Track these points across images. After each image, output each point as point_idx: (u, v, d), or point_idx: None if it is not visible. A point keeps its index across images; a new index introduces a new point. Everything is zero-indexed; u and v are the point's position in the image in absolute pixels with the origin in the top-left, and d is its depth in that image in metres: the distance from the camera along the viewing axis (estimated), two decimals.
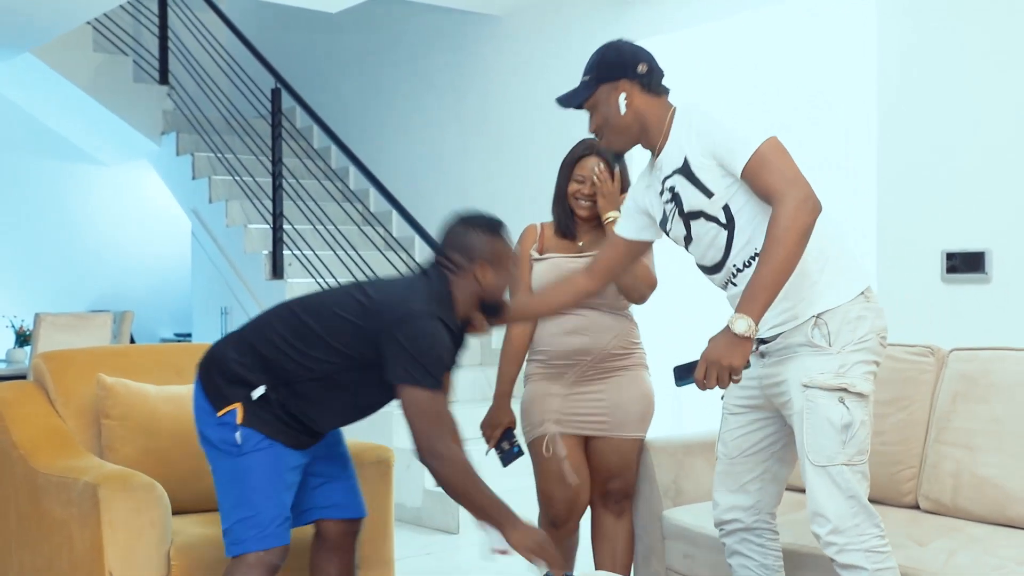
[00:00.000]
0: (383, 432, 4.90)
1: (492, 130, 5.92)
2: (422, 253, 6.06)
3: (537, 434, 2.83)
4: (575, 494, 2.82)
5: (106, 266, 8.29)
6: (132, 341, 6.82)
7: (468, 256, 2.35)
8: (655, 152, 2.29)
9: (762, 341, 2.21)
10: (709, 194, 2.16)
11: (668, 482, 2.98)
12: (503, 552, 2.23)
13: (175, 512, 2.63)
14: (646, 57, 2.28)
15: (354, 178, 6.75)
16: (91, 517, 2.50)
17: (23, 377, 5.46)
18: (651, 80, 2.26)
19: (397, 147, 6.62)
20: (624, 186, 2.80)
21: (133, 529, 2.51)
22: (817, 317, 2.13)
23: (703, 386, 2.07)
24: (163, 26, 7.26)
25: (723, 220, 2.18)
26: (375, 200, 6.59)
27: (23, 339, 6.29)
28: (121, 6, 6.40)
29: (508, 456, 2.86)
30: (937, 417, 2.77)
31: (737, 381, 2.06)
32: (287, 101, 6.16)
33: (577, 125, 5.50)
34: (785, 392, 2.19)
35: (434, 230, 5.32)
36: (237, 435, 2.28)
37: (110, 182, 8.32)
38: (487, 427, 2.88)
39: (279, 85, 6.04)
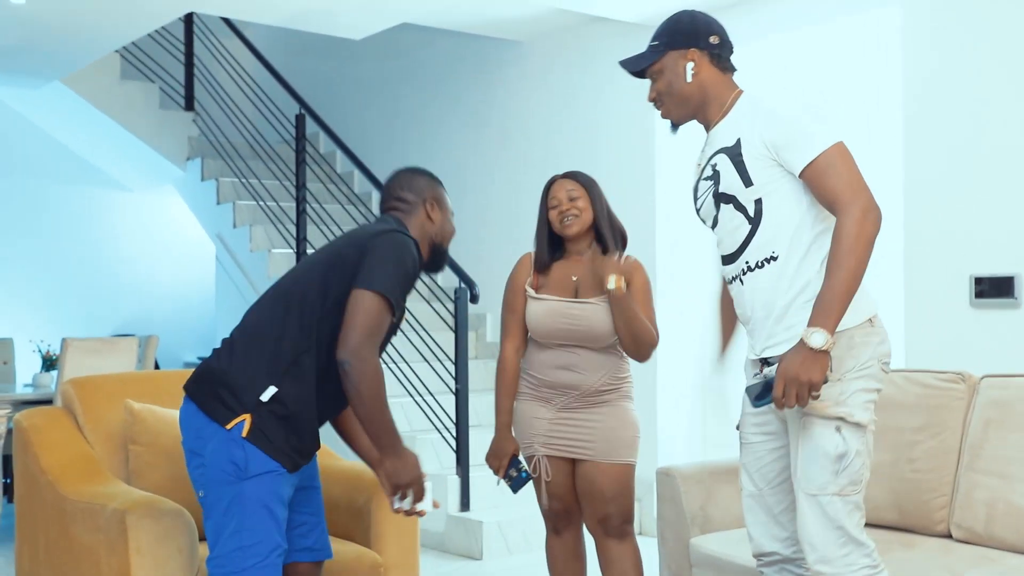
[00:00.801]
0: None
1: (514, 155, 5.93)
2: (445, 276, 6.07)
3: (527, 453, 2.92)
4: (566, 505, 2.90)
5: (131, 291, 8.35)
6: (157, 365, 6.85)
7: (417, 194, 2.47)
8: (708, 128, 2.25)
9: (765, 362, 2.17)
10: (748, 183, 2.13)
11: (696, 509, 2.96)
12: (405, 512, 2.32)
13: (202, 539, 2.63)
14: (719, 29, 2.25)
15: (377, 204, 6.78)
16: (119, 543, 2.51)
17: (49, 401, 5.49)
18: (721, 53, 2.22)
19: None
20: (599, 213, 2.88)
21: (160, 556, 2.51)
22: None
23: (781, 405, 2.02)
24: (189, 53, 7.34)
25: (751, 213, 2.14)
26: None
27: (49, 363, 6.33)
28: (148, 34, 6.48)
29: (517, 482, 2.89)
30: (969, 444, 2.73)
31: (816, 397, 2.00)
32: (311, 127, 6.20)
33: (601, 150, 5.50)
34: (786, 414, 2.16)
35: (457, 254, 5.38)
36: (243, 453, 2.20)
37: (136, 208, 8.40)
38: (493, 458, 2.91)
39: (303, 111, 6.09)
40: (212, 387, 2.27)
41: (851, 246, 1.98)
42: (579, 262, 2.90)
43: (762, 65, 4.71)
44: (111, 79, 6.94)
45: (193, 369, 2.44)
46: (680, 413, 5.03)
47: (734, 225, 2.17)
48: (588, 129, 5.47)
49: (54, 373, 6.15)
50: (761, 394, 2.07)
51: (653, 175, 5.09)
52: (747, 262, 2.16)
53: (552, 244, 2.93)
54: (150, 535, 2.51)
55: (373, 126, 7.05)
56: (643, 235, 4.88)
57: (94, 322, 8.05)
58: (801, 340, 1.98)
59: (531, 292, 2.90)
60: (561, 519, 2.94)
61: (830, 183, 2.03)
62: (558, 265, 2.92)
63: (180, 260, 8.50)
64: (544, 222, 2.93)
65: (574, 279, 2.88)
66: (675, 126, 2.34)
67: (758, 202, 2.12)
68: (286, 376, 2.25)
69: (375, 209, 6.74)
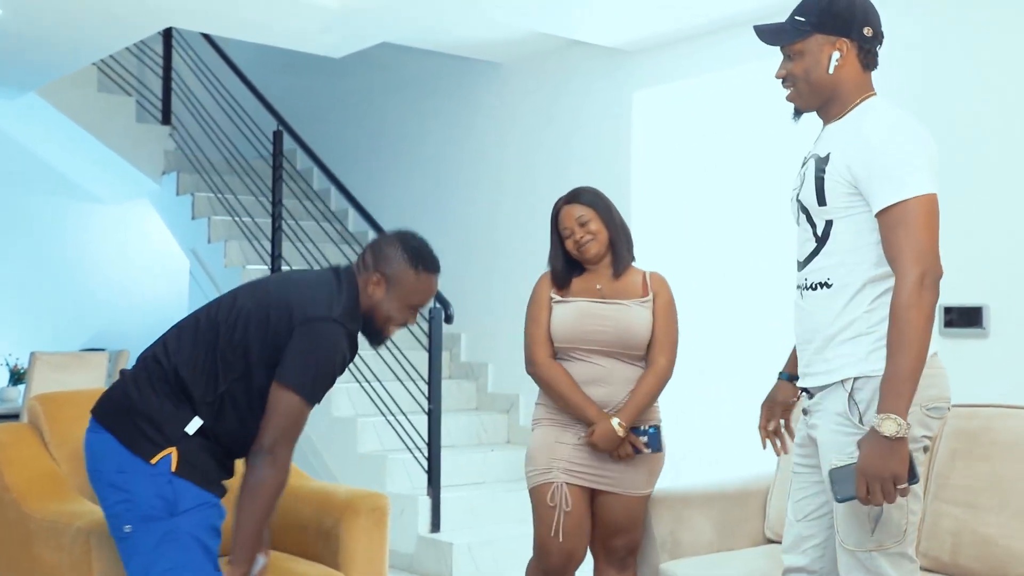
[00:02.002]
0: (377, 479, 4.87)
1: (492, 174, 5.95)
2: None
3: (542, 481, 2.78)
4: (573, 547, 2.78)
5: (103, 304, 8.27)
6: None
7: (375, 261, 2.30)
8: (825, 123, 2.10)
9: (805, 391, 2.10)
10: (822, 202, 2.01)
11: (665, 534, 2.96)
12: None
13: None
14: (875, 20, 2.05)
15: (353, 220, 6.77)
16: (82, 563, 2.47)
17: (16, 416, 5.43)
18: (871, 47, 2.04)
19: (397, 190, 6.65)
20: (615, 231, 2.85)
21: None
22: (846, 382, 1.98)
23: (868, 503, 1.88)
24: (167, 67, 7.32)
25: (819, 232, 2.04)
26: None
27: (17, 378, 6.26)
28: (127, 48, 6.45)
29: (654, 439, 2.79)
30: (936, 474, 2.75)
31: (905, 494, 1.88)
32: (288, 143, 6.20)
33: (578, 171, 5.52)
34: (823, 460, 2.05)
35: None
36: (171, 489, 2.13)
37: (109, 220, 8.34)
38: (611, 444, 2.74)
39: (281, 127, 6.08)
40: (131, 419, 2.18)
41: (911, 319, 1.86)
42: (600, 276, 2.86)
43: (735, 93, 4.76)
44: (88, 91, 6.90)
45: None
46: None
47: (805, 236, 2.09)
48: (565, 150, 5.50)
49: (22, 387, 6.08)
50: (845, 490, 1.91)
51: (628, 195, 5.11)
52: (807, 279, 2.08)
53: (567, 264, 2.87)
54: (114, 555, 2.46)
55: (351, 144, 7.05)
56: None
57: (64, 336, 7.96)
58: (873, 430, 1.86)
59: (557, 297, 2.84)
60: (557, 566, 2.78)
61: (897, 237, 1.90)
62: (579, 278, 2.88)
63: (153, 274, 8.43)
64: (558, 246, 2.87)
65: (598, 287, 2.84)
66: (799, 113, 2.14)
67: (828, 223, 2.02)
68: (211, 408, 2.20)
69: (351, 226, 6.73)
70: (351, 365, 5.24)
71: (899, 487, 1.86)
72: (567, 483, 2.75)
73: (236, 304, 2.27)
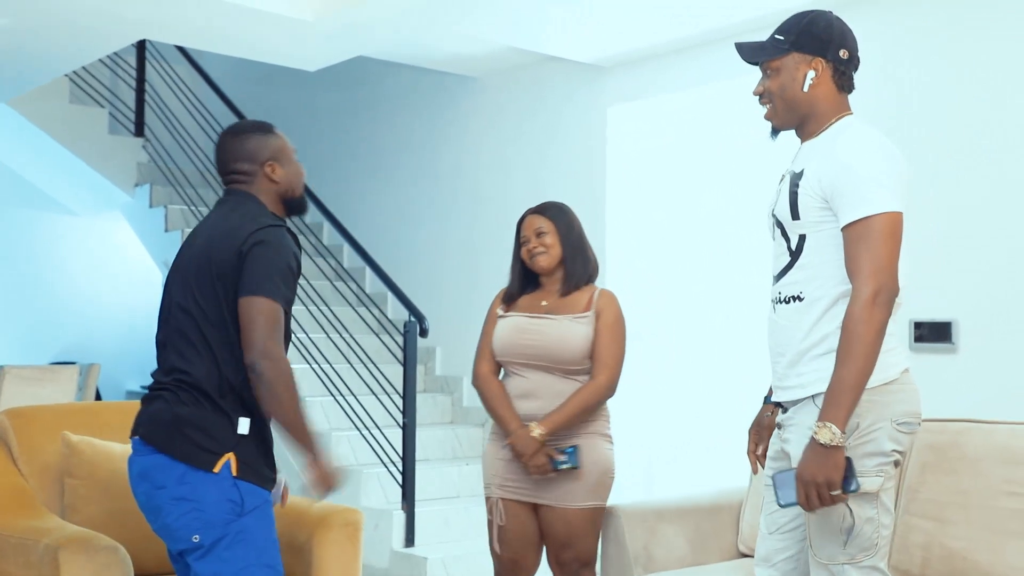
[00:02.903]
0: (351, 493, 4.85)
1: (468, 187, 5.96)
2: (395, 309, 6.05)
3: (486, 495, 2.90)
4: (515, 557, 2.87)
5: (74, 317, 8.18)
6: (98, 394, 6.72)
7: (252, 160, 2.37)
8: (802, 141, 2.15)
9: (779, 405, 2.13)
10: (795, 216, 2.05)
11: (639, 549, 2.96)
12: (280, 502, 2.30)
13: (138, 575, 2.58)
14: (852, 43, 2.11)
15: (328, 234, 6.75)
16: None
17: None
18: (846, 71, 2.10)
19: (372, 203, 6.64)
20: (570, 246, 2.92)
21: None
22: (817, 397, 2.01)
23: (807, 508, 1.94)
24: (140, 79, 7.28)
25: (792, 246, 2.08)
26: (348, 256, 6.59)
27: None
28: (99, 59, 6.41)
29: (572, 459, 2.77)
30: (906, 487, 2.78)
31: (844, 499, 1.93)
32: None
33: (552, 185, 5.54)
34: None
35: (407, 287, 5.37)
36: (237, 492, 2.16)
37: (81, 232, 8.26)
38: (529, 458, 2.76)
39: None
40: (183, 434, 2.19)
41: (860, 333, 1.90)
42: (550, 292, 2.93)
43: (711, 109, 4.80)
44: (59, 103, 6.85)
45: (138, 405, 2.34)
46: (627, 451, 5.03)
47: (779, 251, 2.13)
48: (540, 164, 5.52)
49: None
50: (787, 496, 1.98)
51: (603, 209, 5.14)
52: (780, 292, 2.12)
53: (525, 277, 2.96)
54: (84, 572, 2.45)
55: (327, 157, 7.04)
56: None
57: (35, 349, 7.88)
58: (812, 437, 1.91)
59: (501, 312, 2.94)
60: (508, 571, 2.89)
61: (858, 253, 1.94)
62: (530, 295, 2.96)
63: (125, 287, 8.35)
64: (517, 256, 2.97)
65: (544, 303, 2.91)
66: (775, 131, 2.19)
67: (801, 238, 2.06)
68: (247, 401, 2.23)
69: (326, 240, 6.71)
70: (323, 378, 5.24)
71: (834, 493, 1.91)
72: (503, 498, 2.84)
73: (182, 286, 2.28)
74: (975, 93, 3.86)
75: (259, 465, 2.24)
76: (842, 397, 1.90)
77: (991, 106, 3.82)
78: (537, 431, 2.75)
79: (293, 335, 5.36)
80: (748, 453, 2.38)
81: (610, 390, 2.84)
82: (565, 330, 2.82)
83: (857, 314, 1.92)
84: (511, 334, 2.86)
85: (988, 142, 3.82)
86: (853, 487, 1.93)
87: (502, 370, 2.94)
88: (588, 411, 2.82)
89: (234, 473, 2.18)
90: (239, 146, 2.39)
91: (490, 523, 2.88)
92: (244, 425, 2.21)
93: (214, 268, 2.23)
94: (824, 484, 1.90)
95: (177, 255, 2.38)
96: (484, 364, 2.93)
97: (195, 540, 2.17)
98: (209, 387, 2.21)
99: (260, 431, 2.26)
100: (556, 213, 2.94)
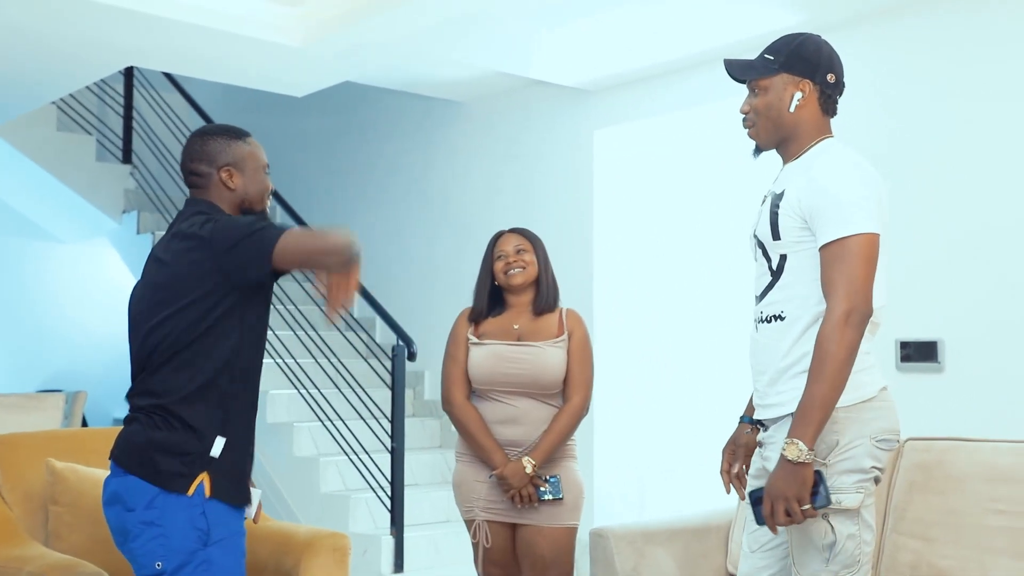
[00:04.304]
0: (340, 519, 4.82)
1: (456, 212, 5.97)
2: (383, 333, 6.04)
3: (467, 518, 2.91)
4: (504, 575, 2.88)
5: (60, 344, 8.15)
6: (85, 421, 6.68)
7: (209, 163, 2.29)
8: (784, 162, 2.18)
9: (760, 423, 2.14)
10: (776, 236, 2.08)
11: (628, 571, 2.96)
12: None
13: None
14: (839, 68, 2.15)
15: None
16: None
17: None
18: (832, 94, 2.14)
19: (360, 228, 6.62)
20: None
21: None
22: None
23: (772, 523, 1.96)
24: (128, 106, 7.29)
25: (773, 266, 2.10)
26: None
27: None
28: (87, 87, 6.42)
29: (554, 489, 2.81)
30: (894, 507, 2.78)
31: (813, 514, 1.94)
32: None
33: (540, 208, 5.55)
34: None
35: (395, 311, 5.36)
36: (204, 521, 2.11)
37: (67, 259, 8.24)
38: (514, 488, 2.78)
39: None
40: (153, 456, 2.15)
41: (831, 352, 1.92)
42: (520, 314, 2.92)
43: (693, 132, 4.83)
44: (47, 130, 6.85)
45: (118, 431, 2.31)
46: (619, 471, 5.03)
47: (761, 271, 2.15)
48: (527, 188, 5.54)
49: None
50: (759, 510, 2.01)
51: (591, 233, 5.16)
52: (762, 312, 2.13)
53: (492, 298, 2.96)
54: None
55: (314, 182, 7.05)
56: (581, 291, 4.92)
57: (21, 376, 7.83)
58: (781, 454, 1.94)
59: (473, 339, 2.91)
60: None
61: (834, 272, 1.97)
62: (498, 318, 2.95)
63: (112, 314, 8.30)
64: (487, 274, 2.97)
65: (515, 327, 2.91)
66: (758, 150, 2.22)
67: (782, 258, 2.09)
68: (223, 420, 2.18)
69: None
70: (312, 403, 5.22)
71: (803, 508, 1.93)
72: (487, 520, 2.85)
73: (149, 304, 2.21)
74: (962, 115, 3.90)
75: (233, 482, 2.20)
76: (811, 414, 1.93)
77: (978, 128, 3.85)
78: (530, 466, 2.76)
79: (281, 360, 5.37)
80: (721, 472, 2.38)
81: (586, 410, 2.90)
82: (549, 356, 2.86)
83: (829, 333, 1.95)
84: (493, 362, 2.86)
85: (975, 164, 3.86)
86: (820, 502, 1.95)
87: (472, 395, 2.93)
88: (569, 434, 2.88)
89: (208, 493, 2.13)
90: (200, 147, 2.31)
91: (475, 546, 2.88)
92: (218, 447, 2.16)
93: (179, 278, 2.16)
94: (793, 499, 1.92)
95: (143, 271, 2.31)
96: (458, 392, 2.90)
97: (158, 567, 2.12)
98: (182, 408, 2.16)
99: (234, 449, 2.21)
100: (533, 237, 3.01)
